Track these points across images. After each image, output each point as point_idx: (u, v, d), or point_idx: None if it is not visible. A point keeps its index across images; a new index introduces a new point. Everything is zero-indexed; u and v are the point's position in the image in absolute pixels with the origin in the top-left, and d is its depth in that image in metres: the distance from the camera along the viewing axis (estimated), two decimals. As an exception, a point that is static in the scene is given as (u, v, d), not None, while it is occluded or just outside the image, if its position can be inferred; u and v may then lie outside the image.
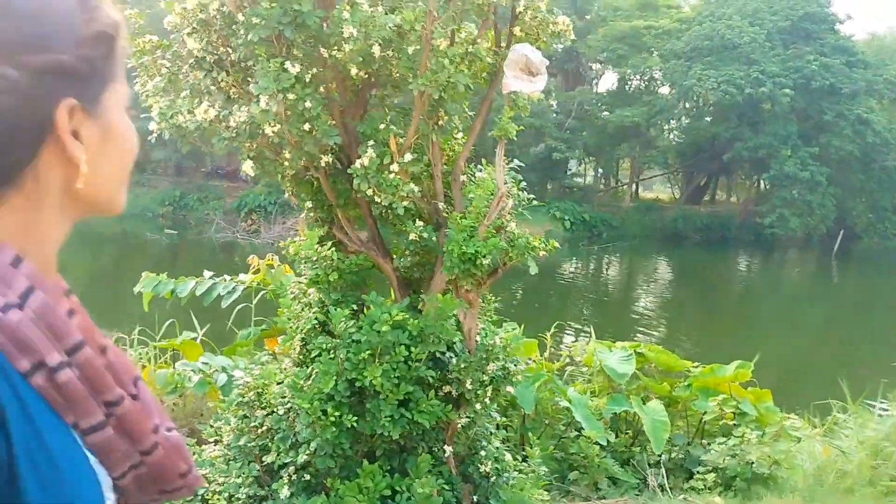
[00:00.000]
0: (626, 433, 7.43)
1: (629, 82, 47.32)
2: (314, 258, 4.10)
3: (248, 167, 4.11)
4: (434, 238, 3.99)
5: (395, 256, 4.35)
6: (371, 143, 3.93)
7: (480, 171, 4.11)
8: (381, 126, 3.97)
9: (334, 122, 4.05)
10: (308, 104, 3.68)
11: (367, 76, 4.15)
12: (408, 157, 3.90)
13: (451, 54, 3.67)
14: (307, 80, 3.74)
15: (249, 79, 3.99)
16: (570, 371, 8.46)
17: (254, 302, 9.16)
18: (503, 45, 4.09)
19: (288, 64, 3.64)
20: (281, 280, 8.51)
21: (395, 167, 3.88)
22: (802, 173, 39.23)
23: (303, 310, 4.23)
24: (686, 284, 31.24)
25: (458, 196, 4.10)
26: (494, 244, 3.68)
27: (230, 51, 4.02)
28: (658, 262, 37.73)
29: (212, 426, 4.64)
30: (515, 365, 4.09)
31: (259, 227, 35.40)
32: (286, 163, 4.05)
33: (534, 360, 7.56)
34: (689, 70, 40.43)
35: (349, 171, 3.90)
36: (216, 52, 4.15)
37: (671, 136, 49.24)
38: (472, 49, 3.86)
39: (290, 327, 4.21)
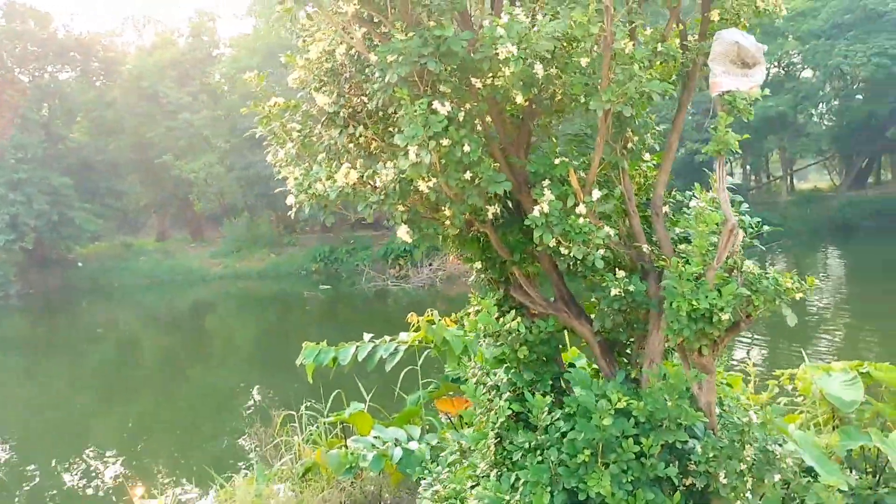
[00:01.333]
0: (868, 473, 6.33)
1: (767, 71, 44.56)
2: (496, 332, 3.34)
3: (403, 233, 3.44)
4: (643, 290, 3.15)
5: (590, 316, 3.53)
6: (546, 182, 3.16)
7: (693, 198, 3.22)
8: (557, 161, 3.20)
9: (497, 164, 3.32)
10: (467, 147, 2.97)
11: (527, 103, 3.41)
12: (596, 193, 3.10)
13: (639, 57, 2.85)
14: (461, 118, 3.03)
15: (392, 129, 3.34)
16: (782, 402, 7.57)
17: (419, 363, 8.76)
18: (695, 36, 3.24)
19: (436, 104, 2.94)
20: (444, 336, 7.92)
21: (581, 209, 3.09)
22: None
23: (492, 398, 3.45)
24: (867, 278, 28.35)
25: (664, 234, 3.25)
26: (732, 292, 2.79)
27: (365, 100, 3.39)
28: (829, 257, 34.90)
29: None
30: (781, 445, 3.13)
31: (407, 271, 36.03)
32: (447, 221, 3.36)
33: (746, 397, 6.61)
34: (833, 48, 38.30)
35: (526, 221, 3.14)
36: (350, 105, 3.54)
37: (821, 121, 46.49)
38: (661, 47, 3.03)
39: (480, 420, 3.44)
